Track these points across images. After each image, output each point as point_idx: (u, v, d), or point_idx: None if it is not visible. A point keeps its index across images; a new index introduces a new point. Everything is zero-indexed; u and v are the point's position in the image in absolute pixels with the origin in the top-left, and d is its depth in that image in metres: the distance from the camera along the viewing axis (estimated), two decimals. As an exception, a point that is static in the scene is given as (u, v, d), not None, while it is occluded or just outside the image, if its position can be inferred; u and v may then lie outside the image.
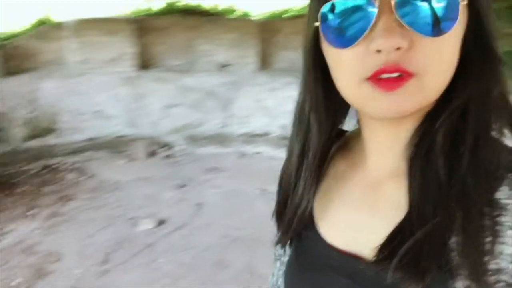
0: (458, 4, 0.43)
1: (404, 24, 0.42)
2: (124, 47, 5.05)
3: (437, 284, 0.44)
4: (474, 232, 0.42)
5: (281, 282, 0.65)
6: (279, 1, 6.39)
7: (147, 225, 3.30)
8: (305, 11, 0.51)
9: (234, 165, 4.49)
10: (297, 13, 5.95)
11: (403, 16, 0.42)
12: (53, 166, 4.50)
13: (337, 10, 0.45)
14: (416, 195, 0.46)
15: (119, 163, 4.67)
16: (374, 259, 0.46)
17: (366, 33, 0.43)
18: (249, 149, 4.76)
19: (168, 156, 4.86)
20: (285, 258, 0.63)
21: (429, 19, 0.42)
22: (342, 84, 0.48)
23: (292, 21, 5.60)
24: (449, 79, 0.45)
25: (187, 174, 4.28)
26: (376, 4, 0.42)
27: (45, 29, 5.12)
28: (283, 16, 6.22)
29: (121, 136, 5.11)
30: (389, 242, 0.46)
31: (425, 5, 0.42)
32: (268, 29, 5.57)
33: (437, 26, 0.42)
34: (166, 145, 5.08)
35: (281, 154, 4.78)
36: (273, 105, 4.82)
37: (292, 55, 5.21)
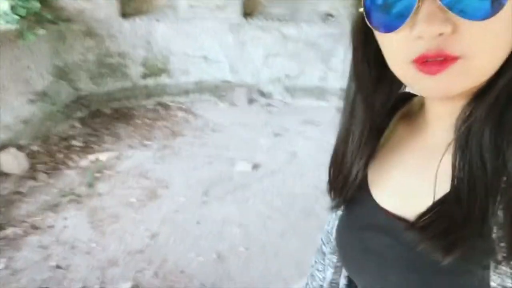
0: None
1: (446, 10, 0.40)
2: (230, -6, 5.18)
3: (477, 257, 0.45)
4: None
5: (333, 233, 0.71)
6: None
7: (243, 167, 3.58)
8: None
9: (330, 120, 4.55)
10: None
11: (445, 1, 0.40)
12: (166, 104, 4.96)
13: None
14: (458, 169, 0.46)
15: (221, 107, 4.99)
16: (412, 225, 0.49)
17: (408, 19, 0.42)
18: (347, 105, 4.75)
19: (266, 105, 5.06)
20: (339, 212, 0.69)
21: (474, 3, 0.40)
22: (390, 64, 0.49)
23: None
24: (503, 58, 0.43)
25: (283, 124, 4.46)
26: None
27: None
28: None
29: (225, 81, 5.38)
30: (428, 212, 0.48)
31: None
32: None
33: (483, 9, 0.40)
34: (265, 94, 5.27)
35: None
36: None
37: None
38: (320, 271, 0.80)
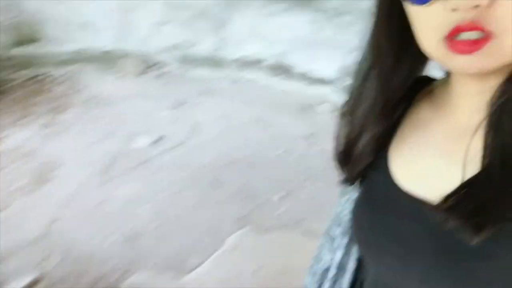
0: None
1: None
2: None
3: (510, 241, 0.45)
4: None
5: (345, 215, 0.70)
6: None
7: (144, 141, 3.39)
8: None
9: (227, 90, 4.53)
10: None
11: None
12: (42, 76, 4.42)
13: None
14: (490, 150, 0.45)
15: (109, 78, 4.62)
16: (438, 205, 0.48)
17: None
18: (243, 75, 4.77)
19: (159, 75, 4.83)
20: (353, 196, 0.67)
21: None
22: (421, 40, 0.47)
23: None
24: None
25: (180, 95, 4.31)
26: None
27: None
28: None
29: (110, 51, 4.98)
30: (457, 192, 0.47)
31: None
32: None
33: None
34: (157, 64, 5.02)
35: (276, 82, 4.79)
36: (268, 31, 4.76)
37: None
38: (328, 253, 0.78)
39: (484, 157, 0.45)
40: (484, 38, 0.40)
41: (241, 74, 4.81)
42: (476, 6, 0.39)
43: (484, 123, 0.46)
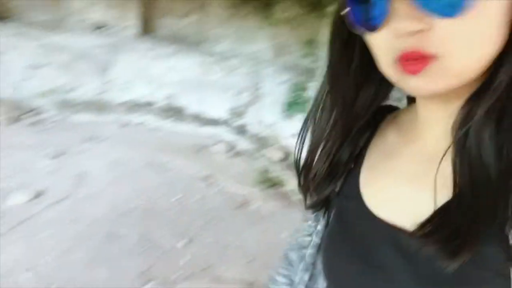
0: None
1: (418, 7, 0.40)
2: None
3: (492, 264, 0.45)
4: None
5: (305, 246, 0.68)
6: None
7: (20, 197, 3.00)
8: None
9: (116, 135, 4.29)
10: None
11: None
12: None
13: None
14: (460, 175, 0.45)
15: (-26, 128, 4.05)
16: (414, 233, 0.48)
17: (385, 19, 0.43)
18: (132, 118, 4.58)
19: (35, 123, 4.39)
20: (318, 227, 0.65)
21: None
22: (378, 64, 0.49)
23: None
24: (487, 56, 0.43)
25: (61, 143, 3.95)
26: None
27: None
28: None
29: (-26, 97, 4.42)
30: (431, 220, 0.47)
31: None
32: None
33: (455, 5, 0.39)
34: (32, 110, 4.57)
35: (167, 125, 4.67)
36: (156, 74, 4.69)
37: (176, 23, 5.08)
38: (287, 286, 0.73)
39: (454, 182, 0.46)
40: (425, 59, 0.42)
41: (129, 118, 4.61)
42: (413, 32, 0.41)
43: (451, 148, 0.47)
